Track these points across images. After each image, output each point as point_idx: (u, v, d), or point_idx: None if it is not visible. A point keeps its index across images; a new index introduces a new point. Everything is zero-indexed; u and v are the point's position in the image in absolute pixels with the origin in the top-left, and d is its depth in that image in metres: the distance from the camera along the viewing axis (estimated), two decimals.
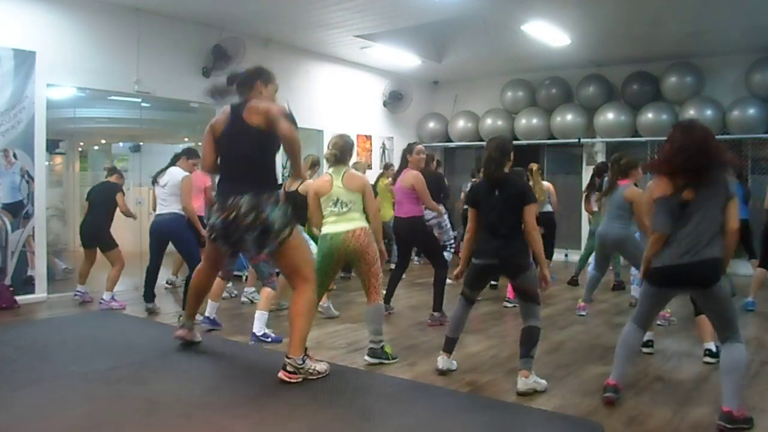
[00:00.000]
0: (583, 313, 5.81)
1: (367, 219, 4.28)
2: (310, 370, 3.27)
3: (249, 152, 3.33)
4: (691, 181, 3.16)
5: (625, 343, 3.51)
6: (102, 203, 6.08)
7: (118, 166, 10.08)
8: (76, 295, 6.23)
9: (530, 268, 3.76)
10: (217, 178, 3.56)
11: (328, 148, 4.36)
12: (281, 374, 3.21)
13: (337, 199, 4.19)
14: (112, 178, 6.27)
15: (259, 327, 4.68)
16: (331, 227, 4.18)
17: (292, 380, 3.19)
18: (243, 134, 3.32)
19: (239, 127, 3.32)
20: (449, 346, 4.01)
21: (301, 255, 3.38)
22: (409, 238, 5.64)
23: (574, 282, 7.52)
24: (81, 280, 6.28)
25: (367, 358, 4.19)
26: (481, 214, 3.85)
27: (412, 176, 5.43)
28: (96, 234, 6.06)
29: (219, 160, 3.49)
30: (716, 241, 3.17)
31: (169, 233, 5.61)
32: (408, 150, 5.66)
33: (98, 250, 6.14)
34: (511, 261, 3.74)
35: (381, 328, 4.21)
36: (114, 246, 6.07)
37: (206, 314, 5.07)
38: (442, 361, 3.99)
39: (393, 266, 6.00)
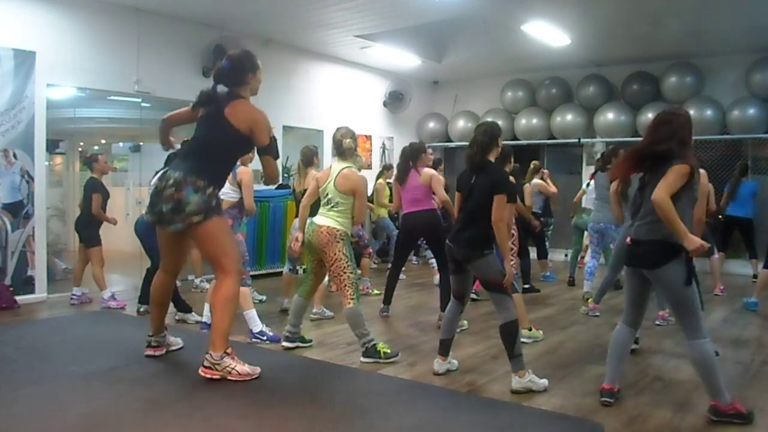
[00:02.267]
0: (598, 313, 5.77)
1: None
2: (229, 369, 3.22)
3: (210, 141, 3.41)
4: (644, 162, 3.27)
5: (615, 344, 3.49)
6: (87, 199, 6.06)
7: (118, 166, 10.09)
8: (72, 297, 6.20)
9: (483, 257, 3.67)
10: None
11: (341, 139, 4.33)
12: (200, 370, 3.23)
13: (327, 194, 4.30)
14: (95, 173, 6.16)
15: (254, 325, 4.69)
16: (315, 217, 4.33)
17: (207, 375, 3.20)
18: (215, 126, 3.37)
19: (216, 119, 3.37)
20: (444, 349, 4.00)
21: (219, 246, 3.37)
22: (425, 231, 5.57)
23: (571, 282, 7.51)
24: (75, 282, 6.25)
25: (362, 359, 4.22)
26: (461, 200, 3.89)
27: (430, 173, 5.48)
28: (83, 231, 6.08)
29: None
30: (658, 224, 3.12)
31: (141, 234, 5.56)
32: (422, 149, 5.65)
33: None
34: (462, 245, 3.73)
35: (363, 329, 4.23)
36: (95, 244, 6.06)
37: (203, 320, 5.00)
38: (438, 364, 3.99)
39: (389, 265, 5.99)
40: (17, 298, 5.93)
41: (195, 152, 3.42)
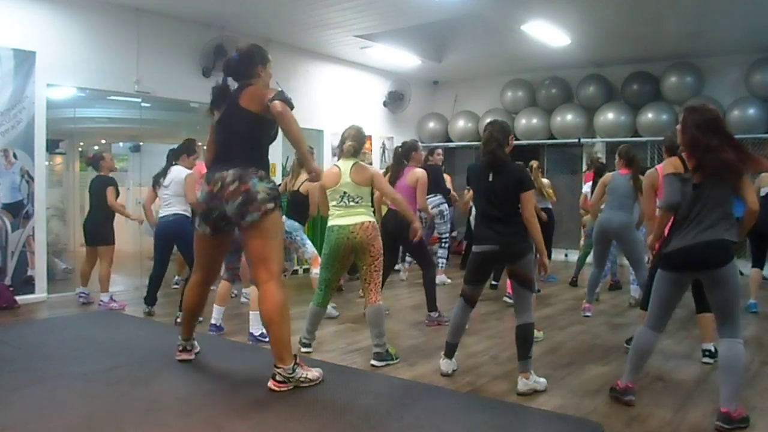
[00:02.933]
0: (589, 314, 5.78)
1: (374, 212, 4.34)
2: (301, 378, 3.20)
3: (239, 132, 3.27)
4: (701, 161, 3.15)
5: (639, 346, 3.42)
6: (99, 198, 6.01)
7: (118, 166, 10.08)
8: (80, 296, 6.16)
9: (530, 252, 3.68)
10: None
11: (344, 139, 4.29)
12: (270, 384, 3.15)
13: (345, 193, 4.18)
14: (103, 171, 6.13)
15: (256, 327, 4.67)
16: (338, 220, 4.19)
17: (281, 389, 3.13)
18: (236, 117, 3.27)
19: (234, 111, 3.27)
20: (450, 351, 3.97)
21: (274, 245, 3.25)
22: (396, 233, 5.45)
23: (574, 283, 7.51)
24: (83, 282, 6.23)
25: (374, 362, 4.14)
26: (476, 198, 3.82)
27: (417, 175, 5.45)
28: (97, 229, 6.03)
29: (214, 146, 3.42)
30: (724, 223, 3.15)
31: (174, 235, 5.53)
32: (413, 147, 5.65)
33: (89, 247, 6.12)
34: (513, 246, 3.64)
35: (383, 330, 4.18)
36: (111, 243, 6.04)
37: (212, 321, 4.98)
38: (445, 365, 3.96)
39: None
40: (17, 298, 5.93)
41: (233, 150, 3.26)
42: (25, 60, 6.07)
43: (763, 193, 6.03)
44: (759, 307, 6.06)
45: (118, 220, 6.26)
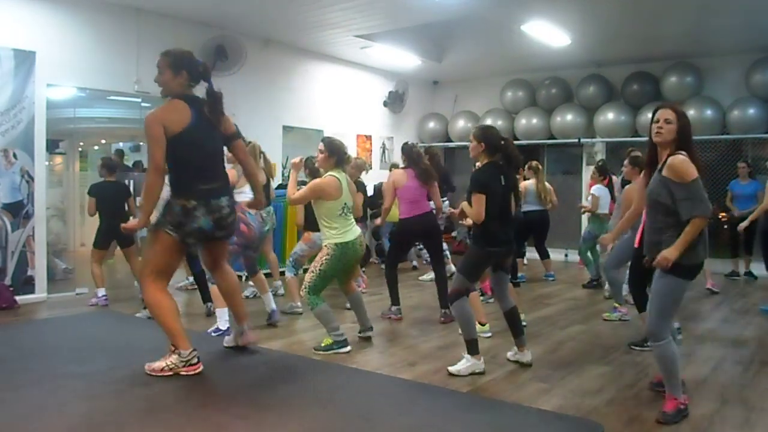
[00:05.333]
0: (628, 317, 5.52)
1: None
2: None
3: (219, 156, 3.55)
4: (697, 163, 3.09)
5: (672, 358, 3.21)
6: (120, 204, 6.17)
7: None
8: (104, 299, 6.08)
9: None
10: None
11: (344, 152, 4.44)
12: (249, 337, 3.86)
13: (345, 204, 4.31)
14: (113, 176, 6.25)
15: (222, 322, 4.84)
16: (349, 235, 4.33)
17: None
18: (217, 139, 3.51)
19: (214, 131, 3.45)
20: (477, 347, 4.01)
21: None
22: (433, 233, 5.60)
23: (596, 284, 7.19)
24: (102, 284, 6.16)
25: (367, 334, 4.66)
26: (492, 202, 3.85)
27: (390, 176, 5.69)
28: (121, 231, 6.13)
29: (181, 160, 3.36)
30: None
31: None
32: (401, 150, 5.76)
33: (106, 250, 6.27)
34: (513, 242, 4.11)
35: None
36: (135, 241, 6.30)
37: (227, 326, 4.85)
38: (480, 365, 3.97)
39: (383, 266, 6.02)
40: (17, 298, 5.93)
41: (220, 172, 3.52)
42: (25, 60, 6.07)
43: None
44: None
45: None
